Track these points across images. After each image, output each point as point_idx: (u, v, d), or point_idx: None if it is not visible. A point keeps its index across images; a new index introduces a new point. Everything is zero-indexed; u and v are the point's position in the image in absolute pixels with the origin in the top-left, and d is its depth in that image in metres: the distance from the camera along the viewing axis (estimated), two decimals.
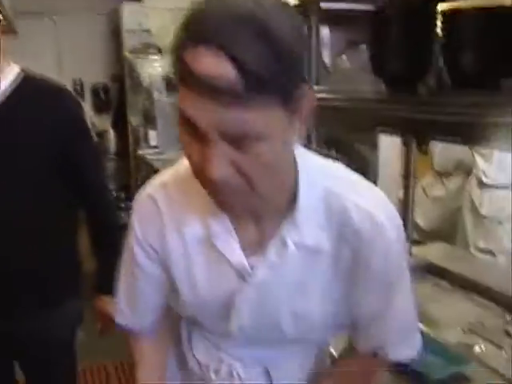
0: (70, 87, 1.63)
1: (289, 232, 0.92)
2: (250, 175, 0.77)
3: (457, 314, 1.70)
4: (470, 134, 1.10)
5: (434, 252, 2.24)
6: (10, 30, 3.21)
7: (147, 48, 4.29)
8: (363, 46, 1.36)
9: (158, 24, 4.08)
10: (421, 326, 1.50)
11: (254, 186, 0.79)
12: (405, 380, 1.32)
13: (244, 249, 0.96)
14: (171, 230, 0.99)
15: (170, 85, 3.69)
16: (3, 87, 1.53)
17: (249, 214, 0.94)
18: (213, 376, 1.11)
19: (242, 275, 0.96)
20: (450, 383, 1.31)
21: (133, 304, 1.12)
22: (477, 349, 1.47)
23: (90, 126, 1.67)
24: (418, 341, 1.07)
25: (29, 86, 1.56)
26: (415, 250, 2.20)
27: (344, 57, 1.75)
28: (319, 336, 1.07)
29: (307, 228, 0.91)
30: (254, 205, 0.88)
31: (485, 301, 1.78)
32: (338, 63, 1.77)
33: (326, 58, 1.79)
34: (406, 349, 1.06)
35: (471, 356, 1.43)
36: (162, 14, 4.04)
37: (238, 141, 0.73)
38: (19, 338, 1.65)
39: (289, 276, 0.95)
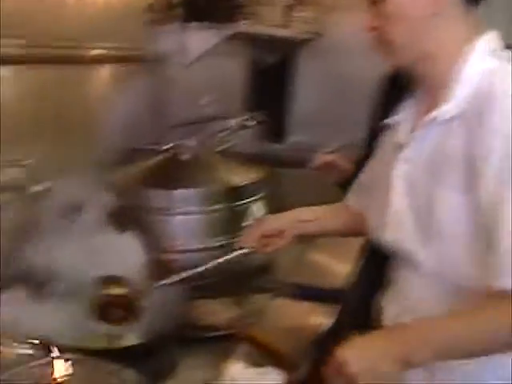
0: None
1: (437, 108, 0.99)
2: (382, 24, 1.01)
3: None
4: None
5: None
6: None
7: None
8: None
9: None
10: None
11: (386, 32, 1.01)
12: None
13: (413, 126, 1.08)
14: None
15: None
16: None
17: (423, 92, 1.08)
18: None
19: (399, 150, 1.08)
20: None
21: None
22: None
23: None
24: None
25: None
26: None
27: None
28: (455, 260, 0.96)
29: (451, 103, 0.98)
30: (397, 54, 1.03)
31: None
32: None
33: None
34: None
35: None
36: None
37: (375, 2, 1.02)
38: None
39: (425, 153, 1.02)
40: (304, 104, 3.34)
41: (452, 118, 0.97)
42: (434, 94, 1.04)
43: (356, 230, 1.30)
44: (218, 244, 1.48)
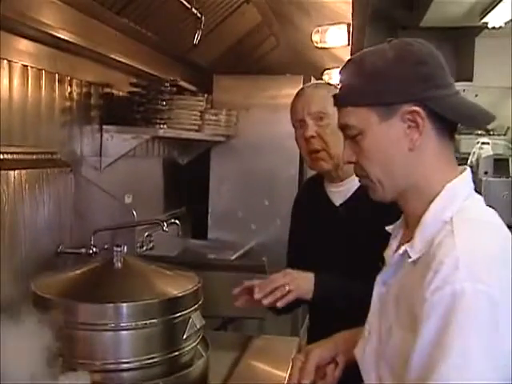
0: None
1: (408, 241, 1.01)
2: (359, 158, 1.05)
3: None
4: None
5: None
6: None
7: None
8: None
9: (487, 103, 3.95)
10: None
11: (364, 166, 1.04)
12: None
13: (398, 246, 1.07)
14: None
15: (497, 165, 3.85)
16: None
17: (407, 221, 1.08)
18: None
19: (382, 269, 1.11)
20: None
21: None
22: None
23: None
24: None
25: None
26: None
27: None
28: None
29: (417, 243, 0.99)
30: (377, 190, 1.05)
31: None
32: None
33: None
34: None
35: None
36: (491, 93, 3.88)
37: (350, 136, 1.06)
38: None
39: (397, 281, 1.04)
40: (220, 201, 3.39)
41: (414, 261, 0.98)
42: (410, 226, 1.05)
43: None
44: (154, 361, 1.36)
